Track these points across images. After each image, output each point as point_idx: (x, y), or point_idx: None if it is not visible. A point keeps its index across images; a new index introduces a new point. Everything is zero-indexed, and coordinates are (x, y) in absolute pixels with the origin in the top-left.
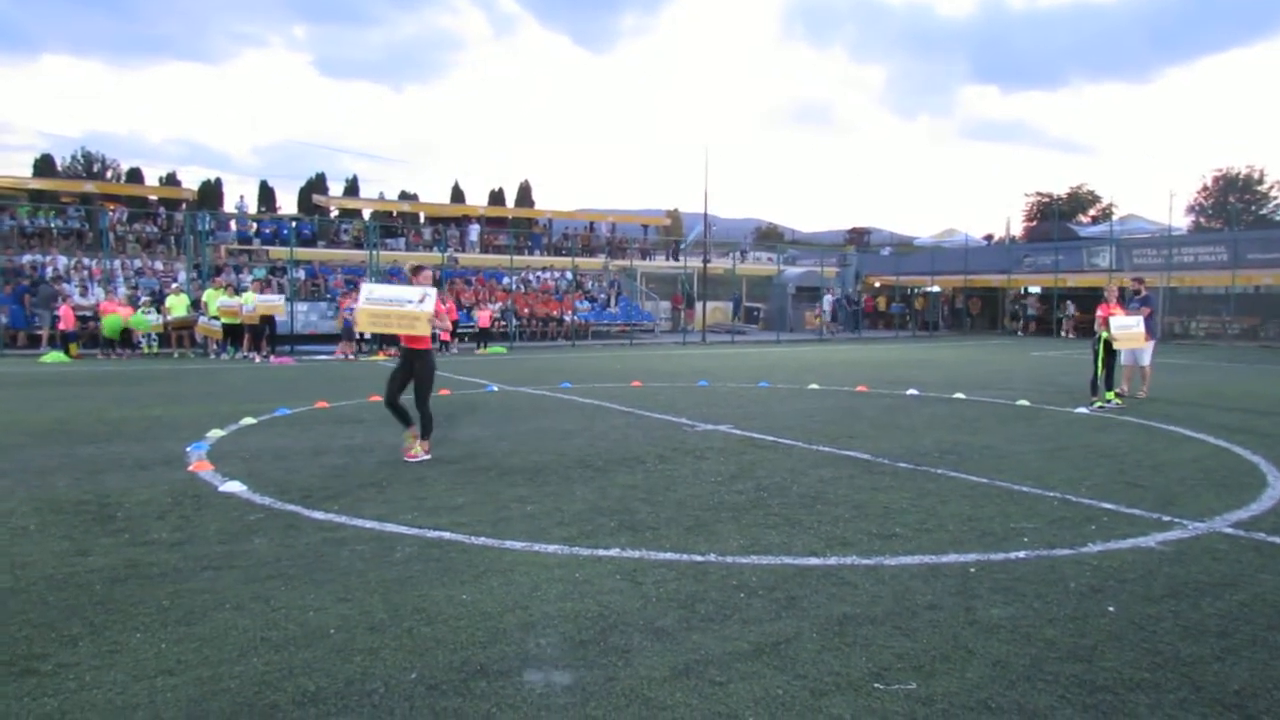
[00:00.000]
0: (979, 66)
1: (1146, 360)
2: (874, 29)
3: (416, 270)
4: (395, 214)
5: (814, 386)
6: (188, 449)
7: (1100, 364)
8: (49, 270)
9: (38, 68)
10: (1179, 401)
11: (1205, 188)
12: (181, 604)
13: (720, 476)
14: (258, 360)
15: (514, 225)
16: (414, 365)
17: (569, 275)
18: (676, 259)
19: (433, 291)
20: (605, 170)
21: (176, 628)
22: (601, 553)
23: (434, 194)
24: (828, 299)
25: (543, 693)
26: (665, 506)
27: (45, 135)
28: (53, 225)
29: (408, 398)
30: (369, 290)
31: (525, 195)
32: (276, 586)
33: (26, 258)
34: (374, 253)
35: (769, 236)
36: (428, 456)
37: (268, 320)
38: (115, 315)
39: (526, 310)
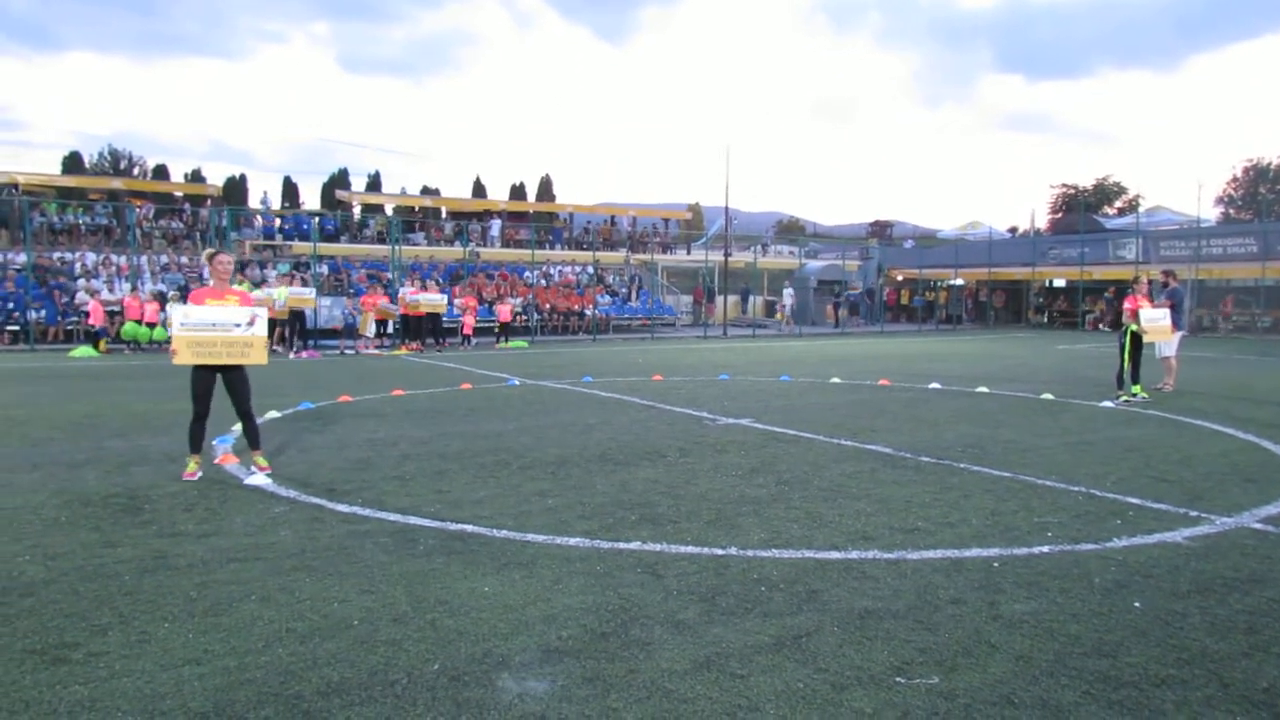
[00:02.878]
0: (1003, 56)
1: (1171, 352)
2: (897, 18)
3: (211, 259)
4: (417, 209)
5: (836, 380)
6: (214, 442)
7: (1127, 357)
8: (77, 266)
9: (65, 66)
10: (1207, 395)
11: (1235, 178)
12: (208, 595)
13: (741, 470)
14: (291, 356)
15: (535, 219)
16: (226, 379)
17: (590, 269)
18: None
19: (263, 312)
20: (626, 164)
21: (203, 618)
22: (623, 546)
23: (456, 189)
24: (788, 292)
25: (564, 684)
26: (686, 500)
27: (73, 133)
28: (81, 222)
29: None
30: (184, 314)
31: (546, 189)
32: (301, 578)
33: (56, 254)
34: (396, 248)
35: (790, 230)
36: (268, 471)
37: (298, 315)
38: (132, 324)
39: (548, 305)
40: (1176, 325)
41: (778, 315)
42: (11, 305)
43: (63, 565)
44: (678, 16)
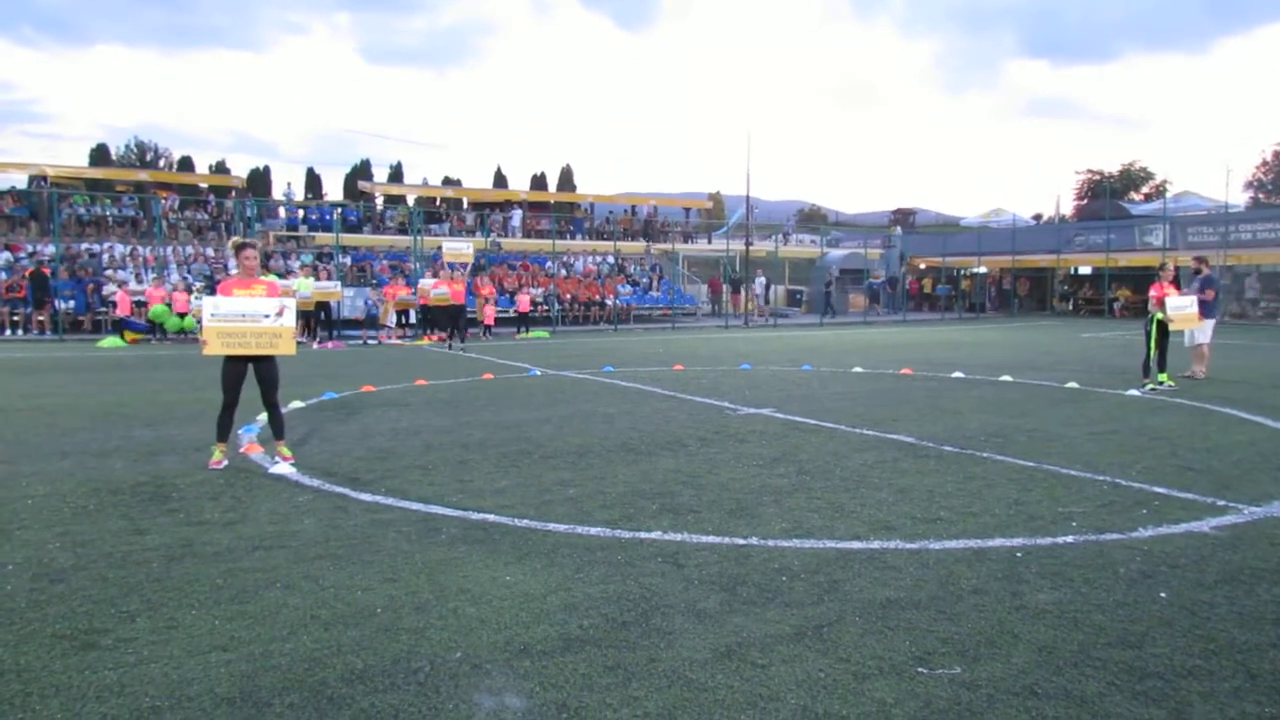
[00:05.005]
0: (1028, 41)
1: (1205, 339)
2: (921, 3)
3: (239, 248)
4: (439, 200)
5: (857, 370)
6: (239, 431)
7: (1153, 345)
8: (105, 257)
9: (93, 59)
10: (1235, 383)
11: (1265, 162)
12: (234, 582)
13: (762, 460)
14: (315, 346)
15: (556, 210)
16: (257, 369)
17: (611, 259)
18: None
19: (291, 303)
20: (647, 153)
21: (229, 605)
22: (643, 535)
23: (477, 179)
24: (760, 281)
25: (586, 673)
26: (707, 490)
27: (100, 125)
28: (108, 213)
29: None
30: (214, 305)
31: (567, 179)
32: (325, 566)
33: (84, 245)
34: (418, 238)
35: (812, 218)
36: (292, 461)
37: (323, 306)
38: (160, 306)
39: (569, 295)
40: (1208, 313)
41: (749, 304)
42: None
43: (91, 552)
44: (698, 3)
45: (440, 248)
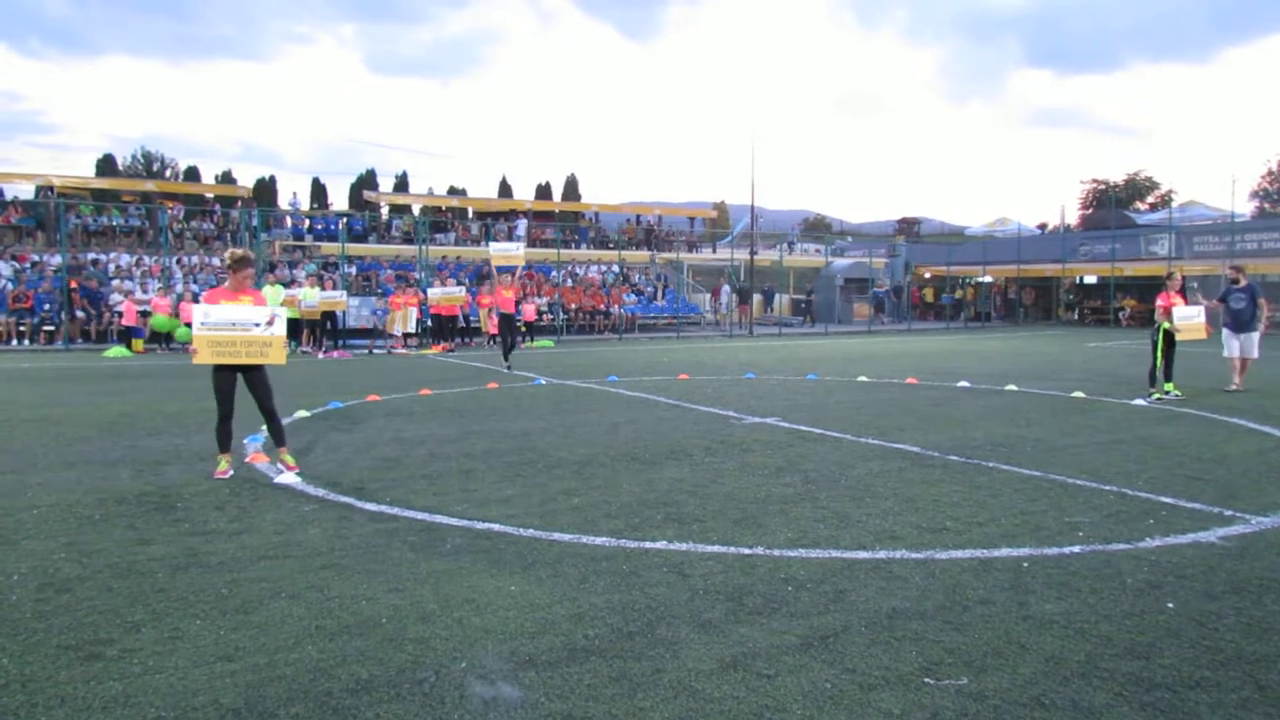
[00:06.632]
0: (1032, 51)
1: (1255, 353)
2: (925, 13)
3: (240, 263)
4: (444, 209)
5: (862, 379)
6: (245, 441)
7: (1159, 355)
8: (111, 267)
9: (100, 70)
10: (1243, 393)
11: (1270, 171)
12: (239, 593)
13: (767, 469)
14: (320, 356)
15: (561, 219)
16: (246, 379)
17: (616, 268)
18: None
19: (282, 311)
20: (652, 162)
21: (234, 616)
22: (649, 545)
23: (482, 189)
24: (726, 288)
25: (591, 683)
26: (712, 499)
27: (107, 135)
28: (115, 224)
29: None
30: (204, 313)
31: (572, 188)
32: (330, 576)
33: (90, 255)
34: (423, 247)
35: (817, 227)
36: (297, 470)
37: (329, 315)
38: (160, 316)
39: (574, 304)
40: (1254, 323)
41: (717, 315)
42: (48, 306)
43: (97, 562)
44: (703, 13)
45: (457, 257)
